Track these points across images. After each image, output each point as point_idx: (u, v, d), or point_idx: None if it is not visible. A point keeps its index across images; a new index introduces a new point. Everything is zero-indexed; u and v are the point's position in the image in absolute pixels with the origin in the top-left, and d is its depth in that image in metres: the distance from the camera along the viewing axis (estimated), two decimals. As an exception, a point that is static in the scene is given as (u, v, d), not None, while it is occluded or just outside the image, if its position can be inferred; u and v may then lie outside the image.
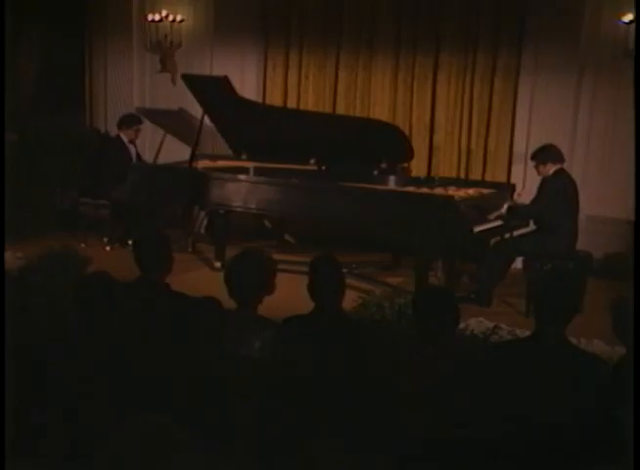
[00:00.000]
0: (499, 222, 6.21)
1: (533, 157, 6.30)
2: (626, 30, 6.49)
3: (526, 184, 6.91)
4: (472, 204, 6.33)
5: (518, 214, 6.23)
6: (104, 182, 7.57)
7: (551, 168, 6.14)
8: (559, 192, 6.09)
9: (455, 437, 2.83)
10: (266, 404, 2.88)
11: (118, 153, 7.67)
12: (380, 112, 7.73)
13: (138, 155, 7.88)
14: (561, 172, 6.17)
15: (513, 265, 6.32)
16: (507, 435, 2.82)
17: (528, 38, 7.09)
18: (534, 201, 6.24)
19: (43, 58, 8.64)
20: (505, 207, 6.23)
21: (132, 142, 7.80)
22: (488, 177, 7.38)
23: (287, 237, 7.91)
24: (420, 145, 7.51)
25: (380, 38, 7.69)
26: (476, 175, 7.47)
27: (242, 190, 6.81)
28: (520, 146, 7.18)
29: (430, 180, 6.85)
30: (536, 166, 6.24)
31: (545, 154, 6.21)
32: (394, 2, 7.61)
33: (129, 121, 7.78)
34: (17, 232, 6.61)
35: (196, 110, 7.59)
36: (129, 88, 8.69)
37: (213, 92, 7.07)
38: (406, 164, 7.10)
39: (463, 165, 7.59)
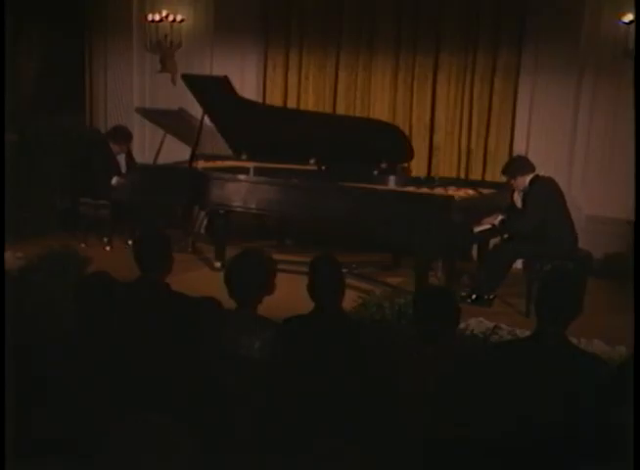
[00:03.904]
0: (499, 219, 6.21)
1: (504, 173, 6.29)
2: (626, 30, 6.49)
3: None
4: (472, 204, 6.33)
5: (511, 229, 6.18)
6: (101, 183, 7.55)
7: (524, 180, 6.09)
8: (545, 200, 6.03)
9: (455, 437, 2.83)
10: (266, 404, 2.88)
11: (104, 161, 7.64)
12: (380, 112, 7.73)
13: (129, 162, 7.82)
14: (536, 180, 6.10)
15: (513, 265, 6.31)
16: (507, 435, 2.82)
17: (528, 38, 7.08)
18: (524, 216, 6.12)
19: (43, 58, 8.64)
20: (499, 219, 6.20)
21: (122, 152, 7.78)
22: (488, 177, 7.37)
23: (288, 241, 7.87)
24: (420, 145, 7.51)
25: (380, 38, 7.68)
26: (476, 175, 7.46)
27: (242, 190, 6.80)
28: (520, 146, 7.18)
29: (430, 180, 6.85)
30: (508, 182, 6.23)
31: (512, 168, 6.19)
32: (394, 2, 7.61)
33: (114, 137, 7.74)
34: (17, 232, 6.60)
35: (196, 110, 7.58)
36: (129, 88, 8.68)
37: (213, 92, 7.07)
38: (406, 164, 7.10)
39: (463, 165, 7.59)
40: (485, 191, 6.64)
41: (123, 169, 7.75)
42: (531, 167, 6.15)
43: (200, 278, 6.43)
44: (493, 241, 6.55)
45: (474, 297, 6.05)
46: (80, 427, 2.72)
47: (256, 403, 2.87)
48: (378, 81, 7.78)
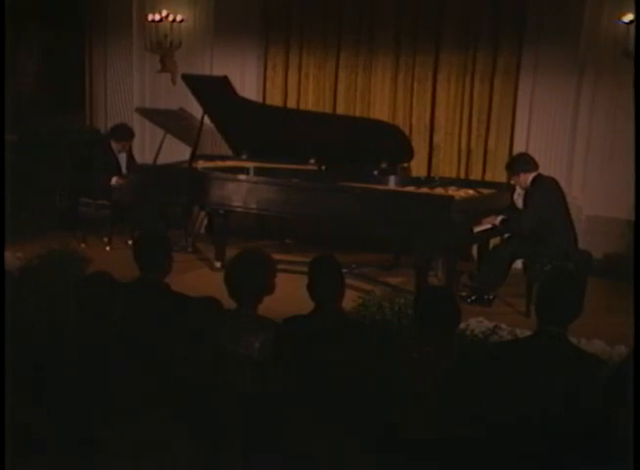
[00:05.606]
0: (500, 219, 6.20)
1: (507, 169, 6.30)
2: (626, 30, 6.49)
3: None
4: (472, 204, 6.33)
5: (512, 229, 6.17)
6: (101, 183, 7.54)
7: (526, 178, 6.07)
8: (546, 200, 6.02)
9: (455, 436, 2.83)
10: (266, 405, 2.88)
11: (104, 160, 7.63)
12: (380, 112, 7.72)
13: (130, 161, 7.82)
14: (539, 179, 6.08)
15: (513, 265, 6.31)
16: (507, 434, 2.82)
17: (528, 38, 7.08)
18: (525, 215, 6.09)
19: (43, 58, 8.64)
20: (499, 218, 6.19)
21: (124, 150, 7.77)
22: (488, 177, 7.37)
23: (288, 241, 7.87)
24: (420, 145, 7.50)
25: (380, 38, 7.68)
26: (476, 175, 7.46)
27: (242, 190, 6.80)
28: (520, 146, 7.17)
29: (430, 180, 6.85)
30: (510, 179, 6.25)
31: (516, 165, 6.19)
32: (394, 2, 7.61)
33: (116, 135, 7.72)
34: (17, 232, 6.60)
35: (196, 110, 7.58)
36: (129, 88, 8.68)
37: (213, 92, 7.07)
38: (406, 164, 7.10)
39: (463, 165, 7.58)
40: (485, 191, 6.64)
41: (124, 169, 7.75)
42: (535, 166, 6.13)
43: (200, 278, 6.43)
44: (493, 241, 6.55)
45: (474, 297, 6.05)
46: (80, 427, 2.72)
47: (256, 403, 2.87)
48: (378, 81, 7.77)
